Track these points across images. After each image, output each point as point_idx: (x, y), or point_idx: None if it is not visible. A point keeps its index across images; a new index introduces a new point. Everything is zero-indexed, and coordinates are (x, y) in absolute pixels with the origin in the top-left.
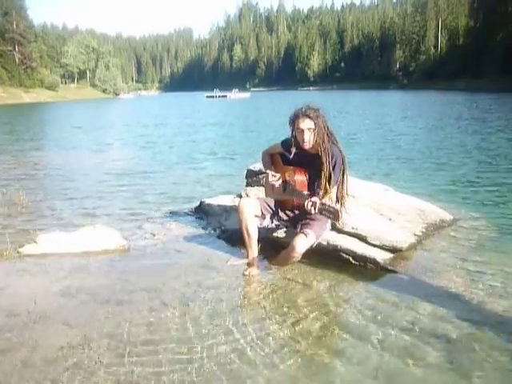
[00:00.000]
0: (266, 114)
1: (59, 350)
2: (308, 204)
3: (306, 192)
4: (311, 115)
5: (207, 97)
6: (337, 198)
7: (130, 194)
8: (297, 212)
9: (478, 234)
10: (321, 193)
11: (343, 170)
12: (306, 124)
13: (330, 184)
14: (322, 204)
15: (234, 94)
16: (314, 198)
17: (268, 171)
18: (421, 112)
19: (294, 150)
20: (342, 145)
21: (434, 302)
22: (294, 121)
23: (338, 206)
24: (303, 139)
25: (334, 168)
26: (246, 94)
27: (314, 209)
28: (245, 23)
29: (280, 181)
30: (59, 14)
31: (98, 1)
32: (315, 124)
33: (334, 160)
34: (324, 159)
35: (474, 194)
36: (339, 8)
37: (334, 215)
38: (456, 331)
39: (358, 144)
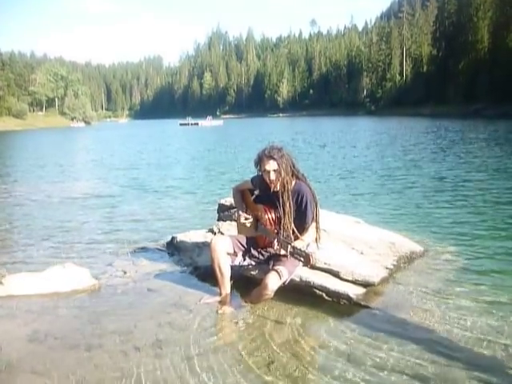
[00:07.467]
0: (247, 142)
1: None
2: (276, 244)
3: (276, 231)
4: (275, 156)
5: (181, 124)
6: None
7: (100, 228)
8: (270, 249)
9: (448, 265)
10: (289, 233)
11: (316, 205)
12: (270, 165)
13: (304, 222)
14: (293, 248)
15: (207, 122)
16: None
17: (240, 213)
18: (388, 140)
19: (263, 188)
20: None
21: (407, 338)
22: (259, 163)
23: (309, 250)
24: (270, 180)
25: (306, 206)
26: (219, 122)
27: (285, 250)
28: (214, 51)
29: (251, 220)
30: (27, 41)
31: (67, 29)
32: (279, 165)
33: (304, 198)
34: (286, 199)
35: (443, 225)
36: (307, 37)
37: (305, 259)
38: (429, 368)
39: (329, 174)
